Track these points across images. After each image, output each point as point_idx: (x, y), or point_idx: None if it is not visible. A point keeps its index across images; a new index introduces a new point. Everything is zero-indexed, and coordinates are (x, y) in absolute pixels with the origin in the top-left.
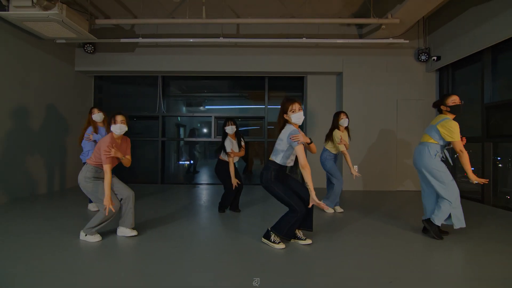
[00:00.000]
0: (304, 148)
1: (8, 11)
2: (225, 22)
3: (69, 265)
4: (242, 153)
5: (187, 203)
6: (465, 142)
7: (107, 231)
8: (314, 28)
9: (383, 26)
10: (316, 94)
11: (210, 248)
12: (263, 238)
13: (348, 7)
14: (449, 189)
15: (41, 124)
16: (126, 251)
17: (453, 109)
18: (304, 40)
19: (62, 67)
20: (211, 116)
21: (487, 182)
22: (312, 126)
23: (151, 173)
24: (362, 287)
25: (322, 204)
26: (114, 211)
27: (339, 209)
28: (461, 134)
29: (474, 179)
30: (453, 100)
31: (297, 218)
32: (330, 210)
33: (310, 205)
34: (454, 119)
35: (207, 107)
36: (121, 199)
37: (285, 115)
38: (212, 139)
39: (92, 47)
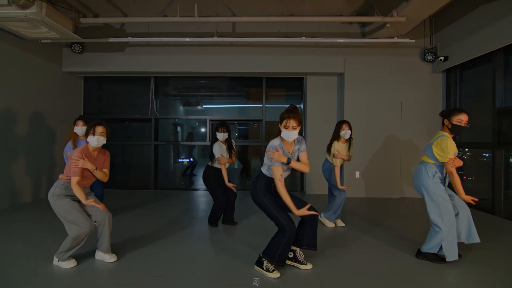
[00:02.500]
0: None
1: None
2: (220, 20)
3: None
4: (233, 159)
5: (178, 214)
6: (458, 164)
7: (85, 253)
8: (314, 27)
9: (387, 25)
10: (316, 95)
11: (197, 277)
12: (255, 266)
13: (350, 4)
14: (443, 216)
15: (27, 129)
16: (102, 281)
17: (454, 128)
18: (303, 39)
19: (49, 68)
20: (206, 119)
21: (477, 200)
22: (311, 129)
23: (144, 178)
24: None
25: (308, 212)
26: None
27: (340, 223)
28: (468, 140)
29: (467, 200)
30: (459, 119)
31: (286, 239)
32: (330, 224)
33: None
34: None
35: (204, 106)
36: (95, 221)
37: (279, 125)
38: (207, 142)
39: (80, 47)
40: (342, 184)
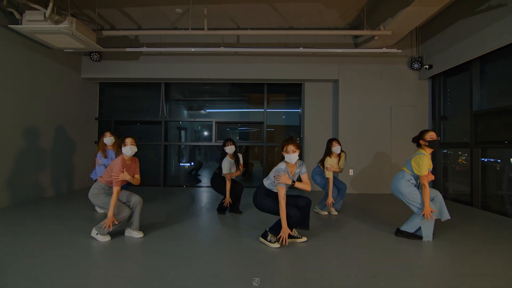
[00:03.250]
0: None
1: (21, 24)
2: (226, 33)
3: (78, 263)
4: (239, 173)
5: (188, 205)
6: (431, 179)
7: (116, 231)
8: (311, 38)
9: (376, 37)
10: (313, 100)
11: (210, 248)
12: (260, 238)
13: (343, 17)
14: (420, 206)
15: (50, 129)
16: (133, 250)
17: (431, 144)
18: (301, 49)
19: (69, 75)
20: (212, 121)
21: (432, 218)
22: (309, 131)
23: (154, 176)
24: (349, 282)
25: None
26: (117, 223)
27: (333, 211)
28: (451, 139)
29: (428, 212)
30: (431, 136)
31: (291, 222)
32: (324, 213)
33: (279, 237)
34: (432, 152)
35: (208, 110)
36: (130, 205)
37: (282, 152)
38: (213, 143)
39: (98, 55)
40: (332, 197)
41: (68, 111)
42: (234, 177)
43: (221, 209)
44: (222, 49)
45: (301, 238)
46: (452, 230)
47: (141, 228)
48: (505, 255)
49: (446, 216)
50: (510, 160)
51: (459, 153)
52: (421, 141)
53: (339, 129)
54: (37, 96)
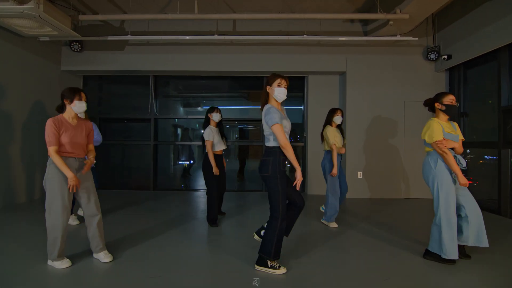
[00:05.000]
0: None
1: None
2: (220, 17)
3: None
4: (225, 146)
5: (177, 215)
6: (449, 146)
7: (81, 252)
8: (316, 26)
9: (390, 22)
10: (317, 95)
11: (196, 278)
12: (257, 266)
13: (351, 2)
14: (440, 207)
15: (24, 128)
16: (96, 282)
17: (448, 109)
18: (305, 37)
19: (47, 67)
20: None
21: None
22: (313, 129)
23: (143, 179)
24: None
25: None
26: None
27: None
28: (473, 139)
29: (464, 182)
30: (450, 99)
31: (278, 229)
32: (333, 225)
33: (294, 184)
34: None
35: (205, 107)
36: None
37: (268, 87)
38: None
39: (79, 45)
40: (337, 170)
41: (46, 108)
42: (220, 154)
43: (211, 220)
44: (216, 37)
45: (279, 269)
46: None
47: (113, 247)
48: None
49: (483, 243)
50: None
51: (485, 156)
52: (436, 104)
53: (346, 127)
54: (8, 92)
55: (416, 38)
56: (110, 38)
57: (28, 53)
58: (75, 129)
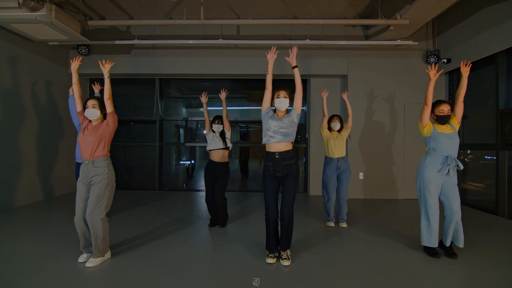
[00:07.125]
0: None
1: None
2: (225, 23)
3: None
4: (226, 152)
5: (181, 215)
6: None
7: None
8: (318, 30)
9: (391, 27)
10: (319, 97)
11: (197, 277)
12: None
13: (353, 7)
14: (421, 202)
15: (34, 129)
16: (99, 281)
17: (439, 119)
18: (307, 41)
19: (55, 70)
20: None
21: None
22: (315, 130)
23: (148, 179)
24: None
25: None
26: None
27: (330, 223)
28: (473, 140)
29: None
30: (441, 110)
31: (268, 228)
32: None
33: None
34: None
35: (208, 108)
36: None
37: (272, 101)
38: None
39: (87, 49)
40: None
41: (53, 110)
42: (217, 161)
43: (213, 224)
44: (220, 41)
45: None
46: (478, 241)
47: (117, 246)
48: None
49: (460, 243)
50: None
51: (485, 156)
52: (431, 114)
53: None
54: (19, 94)
55: (416, 43)
56: (117, 42)
57: (37, 56)
58: (90, 130)
